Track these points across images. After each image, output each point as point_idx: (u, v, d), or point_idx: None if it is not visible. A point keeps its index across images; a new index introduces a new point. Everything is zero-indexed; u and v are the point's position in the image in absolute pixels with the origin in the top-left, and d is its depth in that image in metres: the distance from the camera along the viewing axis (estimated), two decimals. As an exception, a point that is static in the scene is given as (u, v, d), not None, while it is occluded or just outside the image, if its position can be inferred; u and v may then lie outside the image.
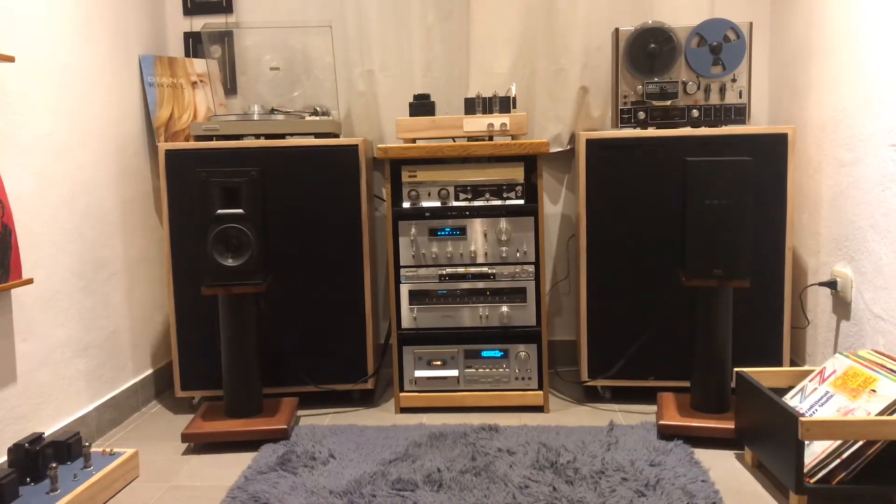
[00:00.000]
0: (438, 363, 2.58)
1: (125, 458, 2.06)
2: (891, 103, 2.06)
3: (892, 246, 2.07)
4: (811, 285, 2.54)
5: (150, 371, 2.77)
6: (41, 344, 2.17)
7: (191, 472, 2.15)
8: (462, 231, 2.54)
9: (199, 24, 3.00)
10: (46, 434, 2.04)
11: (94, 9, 2.47)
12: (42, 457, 1.90)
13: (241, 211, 2.27)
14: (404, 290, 2.56)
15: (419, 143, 2.54)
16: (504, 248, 2.53)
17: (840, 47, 2.35)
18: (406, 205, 2.55)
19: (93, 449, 2.05)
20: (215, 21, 3.01)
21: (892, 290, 2.07)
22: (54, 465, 1.86)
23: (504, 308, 2.54)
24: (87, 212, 2.40)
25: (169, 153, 2.52)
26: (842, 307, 2.35)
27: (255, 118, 2.62)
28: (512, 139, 2.53)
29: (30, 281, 2.04)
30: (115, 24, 2.60)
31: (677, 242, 2.27)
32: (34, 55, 2.16)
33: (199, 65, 2.94)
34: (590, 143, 2.50)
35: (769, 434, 1.92)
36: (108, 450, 2.09)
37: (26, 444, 1.90)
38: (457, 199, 2.54)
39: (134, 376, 2.67)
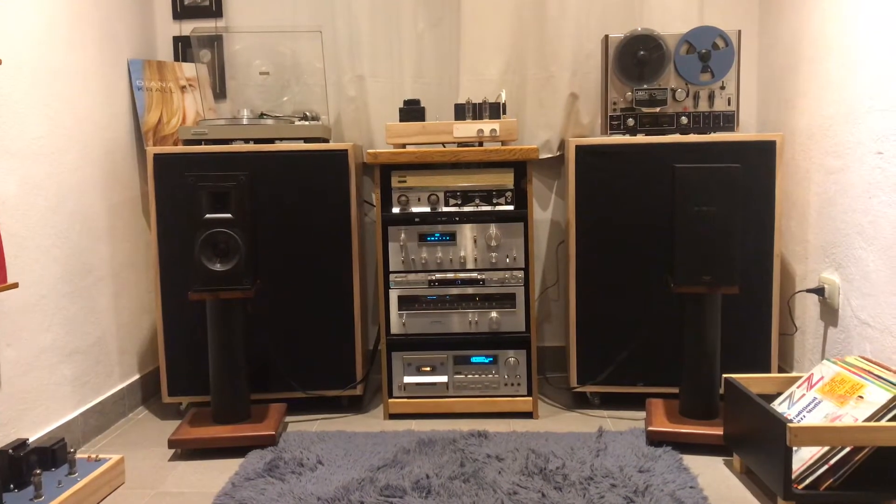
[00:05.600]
0: (427, 369, 2.57)
1: (111, 464, 2.05)
2: (877, 111, 2.08)
3: (878, 253, 2.08)
4: (799, 292, 2.56)
5: (136, 377, 2.75)
6: (26, 349, 2.15)
7: (177, 479, 2.14)
8: (452, 237, 2.54)
9: (188, 28, 2.99)
10: (31, 440, 2.02)
11: (82, 12, 2.46)
12: (26, 463, 1.88)
13: (229, 216, 2.25)
14: (393, 295, 2.56)
15: (409, 149, 2.53)
16: (494, 254, 2.53)
17: (827, 56, 2.36)
18: (396, 210, 2.54)
19: (78, 455, 2.03)
20: (205, 25, 3.00)
21: (878, 297, 2.08)
22: (38, 471, 1.84)
23: (493, 314, 2.54)
24: (73, 216, 2.38)
25: (157, 157, 2.51)
26: (829, 314, 2.37)
27: (245, 123, 2.62)
28: (502, 145, 2.53)
29: (15, 285, 2.01)
30: (103, 28, 2.59)
31: (666, 249, 2.28)
32: (20, 58, 2.14)
33: (188, 69, 2.93)
34: (579, 149, 2.50)
35: (757, 440, 1.92)
36: (93, 456, 2.07)
37: (10, 451, 1.88)
38: (446, 204, 2.54)
39: (120, 382, 2.64)
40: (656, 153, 2.46)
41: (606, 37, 2.55)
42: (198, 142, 2.56)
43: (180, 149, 2.56)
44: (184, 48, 3.02)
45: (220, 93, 3.03)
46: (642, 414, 2.43)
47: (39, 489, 1.83)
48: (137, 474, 2.16)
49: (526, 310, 2.55)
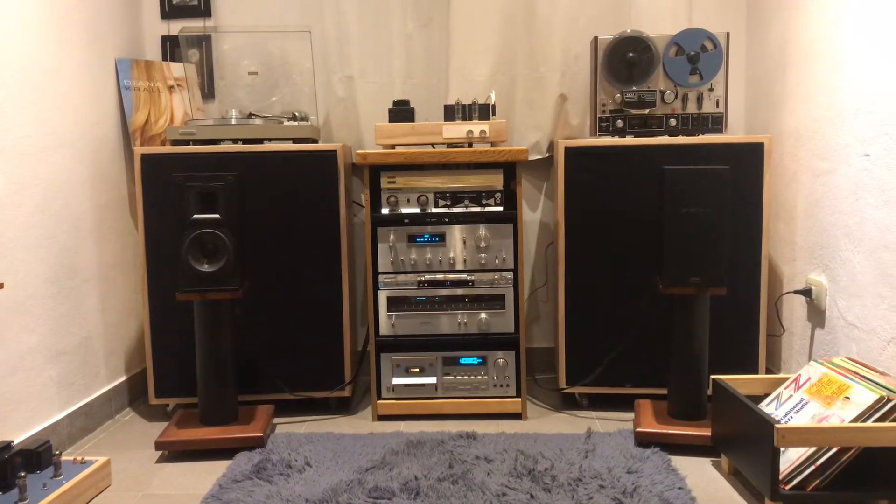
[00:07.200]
0: (416, 370, 2.56)
1: (97, 466, 2.03)
2: (864, 113, 2.09)
3: (865, 254, 2.10)
4: (787, 293, 2.57)
5: (123, 378, 2.73)
6: (12, 350, 2.13)
7: (164, 481, 2.12)
8: (441, 238, 2.54)
9: (176, 27, 2.98)
10: (15, 442, 2.00)
11: (69, 11, 2.44)
12: (10, 466, 1.86)
13: (217, 216, 2.24)
14: (383, 296, 2.55)
15: (398, 150, 2.53)
16: (483, 255, 2.53)
17: (815, 59, 2.38)
18: (385, 211, 2.54)
19: (63, 457, 2.01)
20: (193, 25, 2.98)
21: (865, 299, 2.10)
22: (23, 474, 1.82)
23: (483, 315, 2.54)
24: (60, 216, 2.36)
25: (145, 157, 2.49)
26: (816, 315, 2.38)
27: (233, 123, 2.60)
28: (491, 146, 2.53)
29: (0, 286, 1.99)
30: (91, 27, 2.57)
31: (655, 250, 2.28)
32: (7, 56, 2.13)
33: (176, 69, 2.91)
34: (568, 150, 2.51)
35: (745, 441, 1.93)
36: (79, 458, 2.05)
37: (-6, 453, 1.86)
38: (436, 205, 2.53)
39: (107, 383, 2.62)
40: (645, 155, 2.46)
41: (596, 38, 2.56)
42: (186, 142, 2.55)
43: (168, 149, 2.55)
44: (172, 48, 3.00)
45: (208, 93, 3.02)
46: (631, 415, 2.44)
47: (24, 492, 1.81)
48: (124, 476, 2.15)
49: (515, 311, 2.54)
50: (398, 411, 2.55)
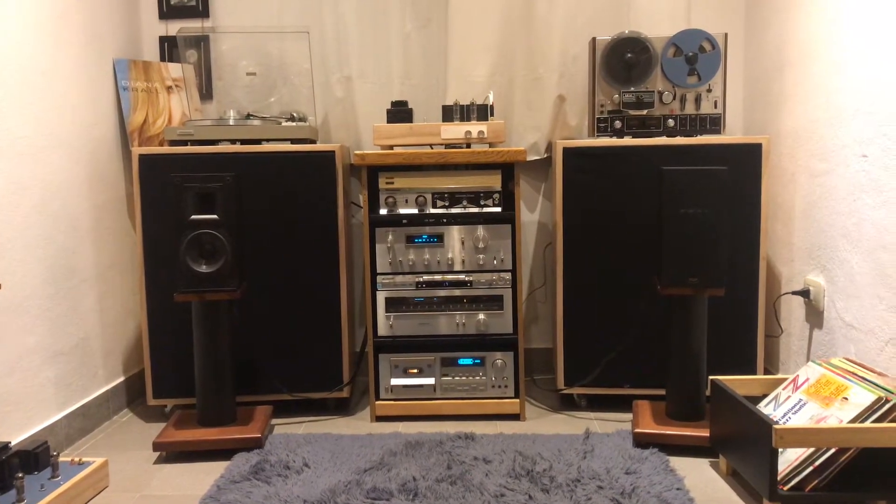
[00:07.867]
0: (415, 371, 2.56)
1: (95, 467, 2.03)
2: (862, 114, 2.09)
3: (863, 255, 2.10)
4: (784, 294, 2.57)
5: (121, 379, 2.73)
6: (9, 351, 2.12)
7: (162, 482, 2.12)
8: (439, 238, 2.54)
9: (174, 28, 2.97)
10: (13, 443, 1.99)
11: (67, 11, 2.44)
12: (8, 467, 1.86)
13: (215, 217, 2.24)
14: (381, 297, 2.55)
15: (397, 150, 2.53)
16: (481, 256, 2.53)
17: (813, 59, 2.38)
18: (383, 212, 2.54)
19: (61, 458, 2.01)
20: (191, 25, 2.98)
21: (863, 299, 2.10)
22: (21, 475, 1.82)
23: (481, 316, 2.54)
24: (58, 217, 2.36)
25: (142, 158, 2.49)
26: (814, 316, 2.38)
27: (231, 123, 2.60)
28: (489, 147, 2.53)
29: (-2, 286, 2.00)
30: (88, 27, 2.57)
31: (653, 251, 2.28)
32: (5, 57, 2.12)
33: (174, 69, 2.91)
34: (566, 151, 2.51)
35: (743, 442, 1.93)
36: (76, 459, 2.05)
37: (-8, 454, 1.86)
38: (434, 206, 2.53)
39: (105, 384, 2.62)
40: (643, 155, 2.46)
41: (594, 39, 2.56)
42: (184, 142, 2.54)
43: (166, 149, 2.54)
44: (170, 48, 3.00)
45: (206, 93, 3.01)
46: (629, 416, 2.43)
47: (22, 493, 1.81)
48: (122, 477, 2.14)
49: (513, 312, 2.54)
50: (396, 412, 2.55)
